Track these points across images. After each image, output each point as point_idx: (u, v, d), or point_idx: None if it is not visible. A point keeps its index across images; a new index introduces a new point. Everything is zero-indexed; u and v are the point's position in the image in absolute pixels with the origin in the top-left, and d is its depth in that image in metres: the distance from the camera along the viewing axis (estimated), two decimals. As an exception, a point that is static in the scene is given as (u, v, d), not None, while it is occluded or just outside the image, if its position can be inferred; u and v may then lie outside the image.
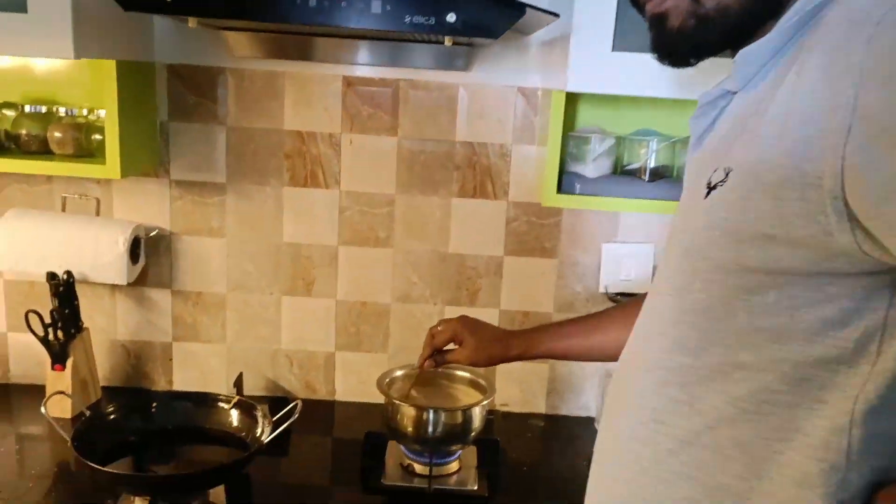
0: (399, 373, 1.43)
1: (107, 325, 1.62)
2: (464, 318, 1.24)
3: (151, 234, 1.57)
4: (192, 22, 1.10)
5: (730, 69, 0.73)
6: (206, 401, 1.34)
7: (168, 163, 1.55)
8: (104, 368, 1.63)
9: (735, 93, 0.75)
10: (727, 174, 0.68)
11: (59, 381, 1.47)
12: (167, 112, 1.53)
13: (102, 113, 1.40)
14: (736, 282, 0.68)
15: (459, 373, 1.44)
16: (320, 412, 1.62)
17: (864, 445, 0.66)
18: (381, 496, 1.32)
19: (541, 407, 1.68)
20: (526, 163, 1.56)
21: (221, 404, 1.34)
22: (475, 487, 1.33)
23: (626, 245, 1.59)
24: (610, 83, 1.18)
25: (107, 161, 1.34)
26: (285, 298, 1.62)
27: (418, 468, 1.36)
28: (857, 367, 0.65)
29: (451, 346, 1.24)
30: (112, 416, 1.27)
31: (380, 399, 1.53)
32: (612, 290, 1.59)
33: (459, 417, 1.33)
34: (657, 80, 1.16)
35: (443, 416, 1.32)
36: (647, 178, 1.41)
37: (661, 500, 0.74)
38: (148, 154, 1.50)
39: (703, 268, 0.70)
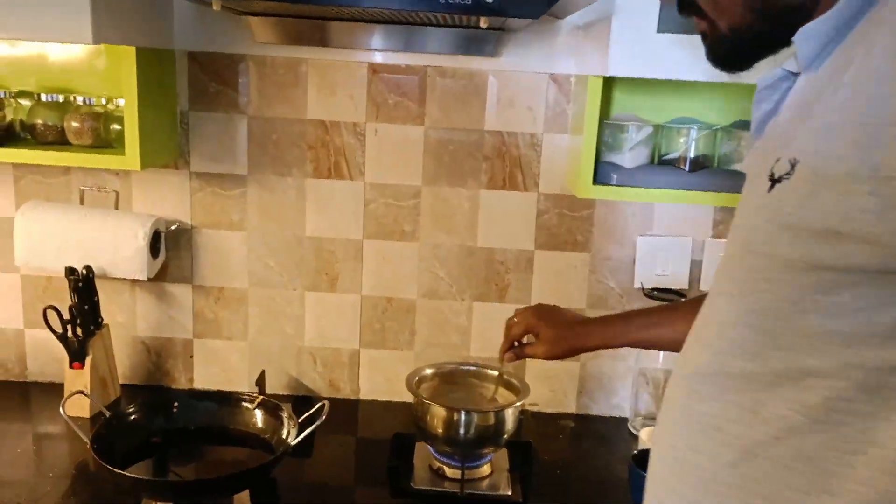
0: (428, 371, 1.38)
1: (126, 321, 1.58)
2: (538, 308, 1.18)
3: (171, 228, 1.52)
4: (216, 4, 1.05)
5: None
6: (229, 400, 1.30)
7: (188, 154, 1.50)
8: (123, 366, 1.59)
9: (798, 74, 0.69)
10: (792, 166, 0.62)
11: (78, 380, 1.43)
12: (187, 101, 1.48)
13: (121, 102, 1.35)
14: (804, 280, 0.62)
15: (491, 372, 1.39)
16: (344, 411, 1.57)
17: None
18: (410, 500, 1.26)
19: (571, 407, 1.62)
20: (557, 153, 1.49)
21: (245, 404, 1.29)
22: (508, 492, 1.27)
23: (663, 238, 1.53)
24: (654, 67, 1.11)
25: (126, 152, 1.29)
26: (308, 294, 1.57)
27: (448, 471, 1.31)
28: None
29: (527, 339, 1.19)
30: (132, 417, 1.23)
31: (405, 398, 1.47)
32: (648, 285, 1.52)
33: (492, 419, 1.27)
34: (706, 63, 1.09)
35: (475, 418, 1.26)
36: (687, 167, 1.35)
37: None
38: (168, 145, 1.45)
39: (768, 266, 0.65)
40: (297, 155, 1.50)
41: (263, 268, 1.56)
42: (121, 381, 1.56)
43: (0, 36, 1.12)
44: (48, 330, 1.41)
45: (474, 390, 1.38)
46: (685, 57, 1.10)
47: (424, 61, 1.45)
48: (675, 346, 1.10)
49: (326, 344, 1.60)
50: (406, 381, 1.32)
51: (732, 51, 0.75)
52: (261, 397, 1.30)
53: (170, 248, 1.54)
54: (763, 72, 0.75)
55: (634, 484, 1.25)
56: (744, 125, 1.36)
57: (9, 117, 1.38)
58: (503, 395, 1.34)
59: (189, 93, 1.47)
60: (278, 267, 1.56)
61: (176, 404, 1.28)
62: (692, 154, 1.36)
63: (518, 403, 1.29)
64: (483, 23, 1.05)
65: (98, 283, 1.46)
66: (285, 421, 1.24)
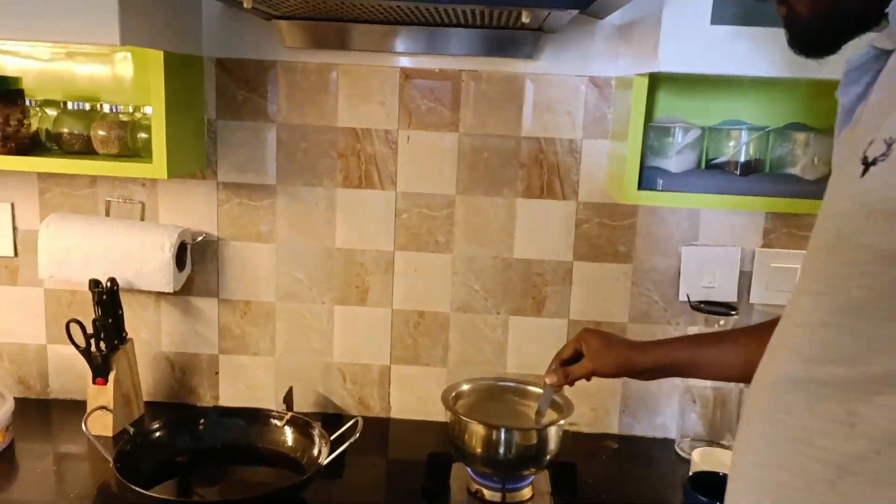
0: (465, 387, 1.31)
1: (150, 336, 1.53)
2: (589, 328, 1.11)
3: (198, 240, 1.48)
4: (246, 2, 1.00)
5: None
6: (258, 417, 1.24)
7: (215, 163, 1.46)
8: (147, 383, 1.54)
9: (891, 51, 0.63)
10: (888, 146, 0.56)
11: (101, 396, 1.38)
12: (215, 109, 1.44)
13: (148, 110, 1.32)
14: None
15: (532, 389, 1.32)
16: (375, 431, 1.50)
17: None
18: (447, 524, 1.19)
19: (613, 427, 1.54)
20: (598, 159, 1.43)
21: (274, 421, 1.23)
22: (552, 516, 1.20)
23: (709, 248, 1.45)
24: (708, 61, 1.05)
25: (153, 160, 1.25)
26: (338, 308, 1.51)
27: (488, 494, 1.23)
28: None
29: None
30: (157, 435, 1.17)
31: (438, 417, 1.41)
32: (695, 297, 1.45)
33: (535, 438, 1.20)
34: (764, 56, 1.03)
35: (517, 437, 1.19)
36: (738, 171, 1.28)
37: None
38: (195, 154, 1.41)
39: (862, 258, 0.58)
40: (327, 164, 1.45)
41: (291, 281, 1.50)
42: (144, 399, 1.51)
43: (28, 38, 1.09)
44: (71, 345, 1.37)
45: (514, 408, 1.31)
46: (742, 50, 1.03)
47: (458, 65, 1.40)
48: (739, 371, 1.02)
49: (356, 360, 1.53)
50: (442, 397, 1.26)
51: (816, 35, 0.70)
52: (290, 414, 1.24)
53: (196, 260, 1.50)
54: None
55: (689, 509, 1.17)
56: (799, 127, 1.29)
57: (34, 126, 1.35)
58: (546, 413, 1.26)
59: (217, 101, 1.44)
60: (307, 280, 1.50)
61: (202, 421, 1.23)
62: (743, 158, 1.29)
63: (562, 422, 1.21)
64: (525, 16, 1.00)
65: (123, 297, 1.42)
66: (317, 439, 1.17)
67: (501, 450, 1.19)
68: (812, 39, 0.70)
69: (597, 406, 1.53)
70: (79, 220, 1.42)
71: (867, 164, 0.57)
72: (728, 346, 1.01)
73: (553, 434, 1.21)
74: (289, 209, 1.47)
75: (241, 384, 1.55)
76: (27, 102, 1.33)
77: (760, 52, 1.03)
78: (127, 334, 1.43)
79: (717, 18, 1.02)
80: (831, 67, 1.03)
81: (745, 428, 0.69)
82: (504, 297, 1.49)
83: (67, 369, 1.54)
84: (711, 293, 1.46)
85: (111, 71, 1.42)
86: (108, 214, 1.48)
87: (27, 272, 1.51)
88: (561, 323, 1.50)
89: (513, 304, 1.50)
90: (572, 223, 1.46)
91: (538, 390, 1.28)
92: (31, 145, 1.33)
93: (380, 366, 1.53)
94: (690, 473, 1.22)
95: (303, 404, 1.53)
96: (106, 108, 1.34)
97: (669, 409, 1.52)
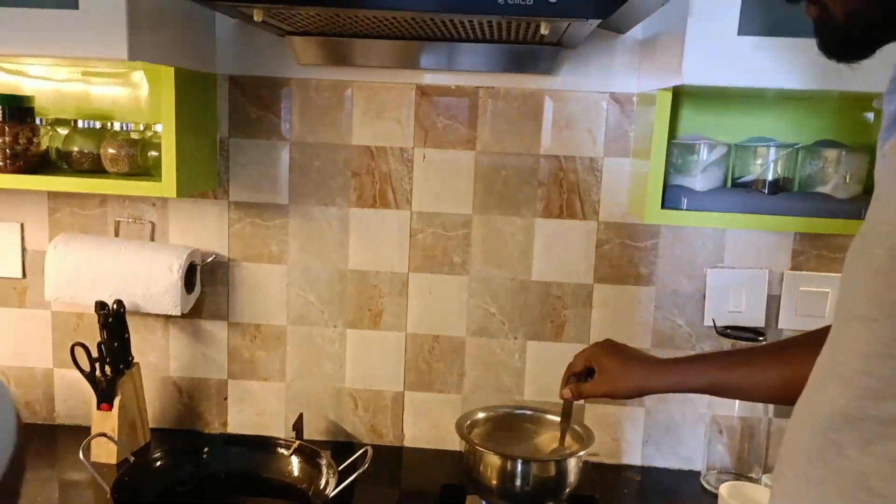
0: (481, 415, 1.26)
1: (158, 360, 1.50)
2: (604, 342, 1.05)
3: (208, 261, 1.44)
4: (257, 14, 0.98)
5: None
6: (264, 446, 1.19)
7: (227, 182, 1.43)
8: (154, 408, 1.50)
9: None
10: None
11: (106, 423, 1.34)
12: (227, 127, 1.41)
13: (159, 128, 1.29)
14: None
15: (550, 417, 1.26)
16: (388, 460, 1.45)
17: None
18: (462, 560, 1.13)
19: (636, 458, 1.47)
20: (619, 178, 1.39)
21: (281, 450, 1.18)
22: (573, 553, 1.13)
23: (735, 271, 1.40)
24: (735, 73, 1.00)
25: (163, 178, 1.23)
26: (350, 331, 1.47)
27: (504, 527, 1.17)
28: None
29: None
30: (158, 463, 1.13)
31: (453, 446, 1.35)
32: (721, 322, 1.38)
33: (553, 469, 1.14)
34: (793, 68, 0.98)
35: (534, 468, 1.13)
36: (766, 190, 1.22)
37: None
38: (206, 173, 1.39)
39: None
40: (341, 183, 1.42)
41: (303, 303, 1.46)
42: (151, 425, 1.47)
43: (36, 54, 1.07)
44: (77, 369, 1.33)
45: (532, 437, 1.25)
46: (770, 62, 0.99)
47: (475, 81, 1.37)
48: (763, 393, 0.96)
49: (368, 385, 1.48)
50: (456, 426, 1.20)
51: (850, 37, 0.64)
52: (298, 442, 1.19)
53: (205, 282, 1.46)
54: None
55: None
56: (829, 144, 1.24)
57: (45, 145, 1.33)
58: (565, 442, 1.20)
59: (230, 118, 1.41)
60: (319, 302, 1.46)
61: (206, 449, 1.18)
62: (771, 176, 1.24)
63: (582, 452, 1.15)
64: (544, 28, 0.96)
65: (130, 320, 1.38)
66: (324, 469, 1.12)
67: (518, 481, 1.13)
68: (846, 42, 0.65)
69: (618, 436, 1.46)
70: (87, 240, 1.40)
71: None
72: (756, 366, 0.94)
73: (572, 465, 1.15)
74: (301, 229, 1.44)
75: (251, 410, 1.51)
76: (38, 121, 1.31)
77: (789, 63, 0.99)
78: (133, 358, 1.39)
79: (744, 29, 0.98)
80: (863, 79, 0.99)
81: (787, 470, 0.63)
82: (522, 320, 1.44)
83: (74, 394, 1.51)
84: (738, 318, 1.40)
85: (127, 91, 1.41)
86: (117, 234, 1.45)
87: (35, 294, 1.48)
88: (581, 348, 1.43)
89: (531, 327, 1.44)
90: (593, 244, 1.41)
91: (556, 418, 1.22)
92: (41, 164, 1.31)
93: (393, 392, 1.48)
94: (720, 509, 1.15)
95: (313, 432, 1.48)
96: (117, 126, 1.32)
97: (695, 440, 1.45)
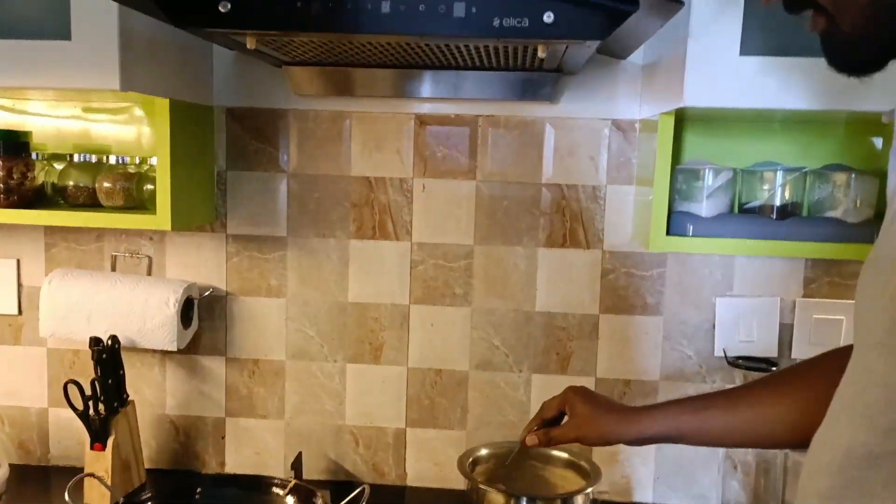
0: (484, 451, 1.21)
1: (154, 397, 1.46)
2: (575, 387, 1.00)
3: (205, 295, 1.42)
4: (250, 42, 0.97)
5: None
6: (259, 486, 1.15)
7: (225, 215, 1.41)
8: (150, 447, 1.46)
9: None
10: None
11: (98, 464, 1.30)
12: (225, 160, 1.40)
13: (155, 161, 1.28)
14: None
15: (556, 453, 1.21)
16: (389, 500, 1.40)
17: None
18: None
19: (647, 496, 1.42)
20: (623, 206, 1.36)
21: (276, 490, 1.14)
22: None
23: (745, 299, 1.36)
24: (737, 94, 0.98)
25: (157, 211, 1.21)
26: (350, 366, 1.43)
27: (510, 571, 1.12)
28: None
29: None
30: None
31: (457, 485, 1.30)
32: (732, 353, 1.34)
33: (560, 507, 1.09)
34: (797, 88, 0.96)
35: (540, 506, 1.08)
36: (774, 215, 1.19)
37: None
38: (203, 206, 1.37)
39: None
40: (340, 214, 1.40)
41: (302, 338, 1.43)
42: (146, 466, 1.42)
43: (30, 85, 1.06)
44: (70, 408, 1.30)
45: (538, 474, 1.20)
46: (773, 83, 0.96)
47: (475, 110, 1.35)
48: (732, 437, 0.89)
49: (369, 422, 1.44)
50: (458, 463, 1.16)
51: (858, 51, 0.62)
52: (294, 482, 1.15)
53: (203, 316, 1.43)
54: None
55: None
56: (838, 168, 1.21)
57: (40, 179, 1.32)
58: (570, 479, 1.15)
59: (227, 151, 1.40)
60: (318, 336, 1.43)
61: (199, 490, 1.14)
62: (779, 201, 1.21)
63: (589, 490, 1.10)
64: (541, 51, 0.95)
65: (126, 356, 1.35)
66: (321, 509, 1.08)
67: (524, 521, 1.08)
68: (855, 55, 0.63)
69: (627, 473, 1.41)
70: (82, 275, 1.37)
71: None
72: (744, 408, 0.86)
73: (580, 503, 1.09)
74: (300, 262, 1.41)
75: (249, 449, 1.46)
76: (34, 156, 1.30)
77: (793, 83, 0.97)
78: (128, 396, 1.35)
79: (746, 49, 0.96)
80: (871, 99, 0.97)
81: None
82: (526, 353, 1.40)
83: (69, 434, 1.47)
84: (750, 348, 1.36)
85: (127, 128, 1.40)
86: (114, 269, 1.43)
87: (30, 331, 1.45)
88: (587, 381, 1.39)
89: (535, 360, 1.40)
90: (597, 273, 1.37)
91: (564, 455, 1.18)
92: (36, 199, 1.30)
93: (395, 429, 1.44)
94: (737, 549, 1.09)
95: (313, 471, 1.43)
96: (112, 160, 1.31)
97: (708, 478, 1.40)
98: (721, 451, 1.34)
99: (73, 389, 1.28)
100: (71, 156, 1.31)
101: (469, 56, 1.11)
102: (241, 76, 1.38)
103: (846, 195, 1.19)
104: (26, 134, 1.32)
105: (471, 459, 1.18)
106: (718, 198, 1.21)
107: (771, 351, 1.35)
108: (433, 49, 1.04)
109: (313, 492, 1.11)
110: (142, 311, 1.34)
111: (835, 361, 0.69)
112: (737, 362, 1.32)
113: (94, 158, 1.32)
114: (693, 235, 1.17)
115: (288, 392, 1.44)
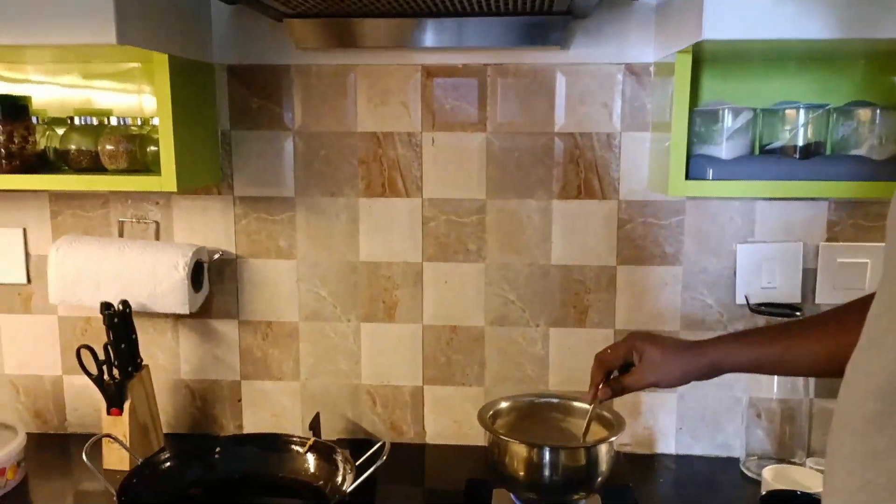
0: (504, 404, 1.19)
1: (168, 363, 1.45)
2: (638, 333, 0.99)
3: (215, 258, 1.40)
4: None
5: None
6: (276, 444, 1.14)
7: (231, 177, 1.38)
8: (167, 412, 1.45)
9: None
10: None
11: (116, 428, 1.29)
12: (228, 120, 1.37)
13: (157, 121, 1.25)
14: None
15: (576, 404, 1.19)
16: (409, 457, 1.39)
17: None
18: (490, 559, 1.07)
19: (670, 446, 1.40)
20: (639, 154, 1.32)
21: (295, 448, 1.13)
22: (608, 547, 1.06)
23: (767, 245, 1.32)
24: (758, 26, 0.93)
25: (162, 172, 1.18)
26: (364, 326, 1.41)
27: (534, 523, 1.11)
28: None
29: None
30: (167, 465, 1.07)
31: (477, 441, 1.29)
32: (754, 300, 1.31)
33: (583, 457, 1.07)
34: (819, 17, 0.91)
35: (563, 456, 1.07)
36: (797, 155, 1.15)
37: None
38: (208, 166, 1.34)
39: None
40: (348, 172, 1.37)
41: (314, 298, 1.41)
42: (164, 430, 1.42)
43: (24, 42, 1.02)
44: (84, 373, 1.29)
45: (559, 425, 1.18)
46: (794, 11, 0.92)
47: (483, 59, 1.31)
48: (808, 365, 0.90)
49: (386, 381, 1.43)
50: (479, 416, 1.14)
51: None
52: (313, 439, 1.13)
53: (214, 280, 1.42)
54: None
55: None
56: (862, 104, 1.16)
57: (42, 144, 1.29)
58: (594, 431, 1.13)
59: (230, 110, 1.37)
60: (331, 297, 1.41)
61: (217, 450, 1.13)
62: (801, 141, 1.17)
63: (613, 438, 1.08)
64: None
65: (138, 321, 1.34)
66: (341, 465, 1.06)
67: (546, 472, 1.07)
68: None
69: (650, 424, 1.39)
70: (90, 241, 1.36)
71: None
72: (798, 339, 0.88)
73: (603, 453, 1.08)
74: (309, 222, 1.39)
75: (266, 412, 1.45)
76: (34, 120, 1.27)
77: (814, 12, 0.92)
78: (142, 360, 1.34)
79: (767, -24, 0.91)
80: (889, 25, 0.92)
81: (842, 443, 0.56)
82: (543, 307, 1.38)
83: (85, 401, 1.47)
84: (772, 294, 1.33)
85: (127, 92, 1.37)
86: (121, 235, 1.41)
87: (40, 299, 1.44)
88: (606, 333, 1.37)
89: (552, 314, 1.38)
90: (614, 224, 1.34)
91: (585, 406, 1.16)
92: (38, 164, 1.27)
93: (411, 387, 1.42)
94: (763, 493, 1.08)
95: (331, 431, 1.43)
96: (114, 122, 1.28)
97: (732, 426, 1.38)
98: (745, 398, 1.32)
99: (86, 355, 1.28)
100: (72, 119, 1.28)
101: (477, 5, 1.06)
102: (241, 32, 1.34)
103: (871, 132, 1.15)
104: (25, 98, 1.29)
105: (491, 413, 1.17)
106: (738, 139, 1.17)
107: (794, 297, 1.32)
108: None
109: (333, 448, 1.10)
110: (151, 275, 1.32)
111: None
112: (759, 309, 1.29)
113: (95, 121, 1.29)
114: (713, 179, 1.13)
115: (302, 353, 1.43)
